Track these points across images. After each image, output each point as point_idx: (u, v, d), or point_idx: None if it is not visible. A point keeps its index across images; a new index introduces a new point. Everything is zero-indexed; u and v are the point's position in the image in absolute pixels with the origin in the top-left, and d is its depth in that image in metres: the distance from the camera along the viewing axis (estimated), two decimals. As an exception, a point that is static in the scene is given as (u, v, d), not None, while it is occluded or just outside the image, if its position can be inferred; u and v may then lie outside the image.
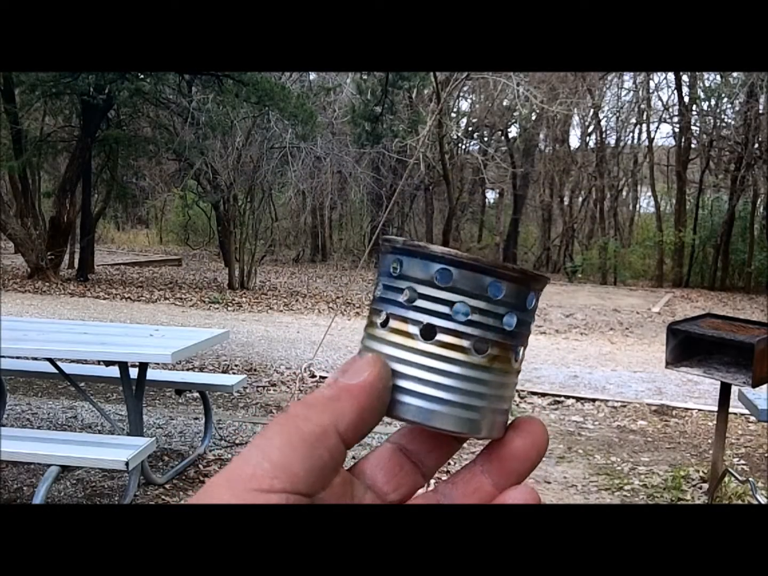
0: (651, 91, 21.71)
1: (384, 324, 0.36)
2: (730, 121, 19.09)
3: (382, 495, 0.38)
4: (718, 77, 18.06)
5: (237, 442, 4.78)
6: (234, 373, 6.53)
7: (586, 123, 23.60)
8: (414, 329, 0.35)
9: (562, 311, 12.90)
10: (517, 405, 5.94)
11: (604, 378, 7.43)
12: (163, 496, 3.84)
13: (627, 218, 24.36)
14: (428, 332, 0.35)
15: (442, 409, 0.35)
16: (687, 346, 3.96)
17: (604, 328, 11.44)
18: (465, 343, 0.35)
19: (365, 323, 0.38)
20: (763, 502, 3.52)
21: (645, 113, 21.83)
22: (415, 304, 0.35)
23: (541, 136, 23.61)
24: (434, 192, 21.29)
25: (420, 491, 0.39)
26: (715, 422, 4.17)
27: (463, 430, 0.36)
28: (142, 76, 12.67)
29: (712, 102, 19.18)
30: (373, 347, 0.36)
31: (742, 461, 4.84)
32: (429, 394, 0.35)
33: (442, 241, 18.25)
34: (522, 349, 0.37)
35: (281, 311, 11.81)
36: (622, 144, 23.20)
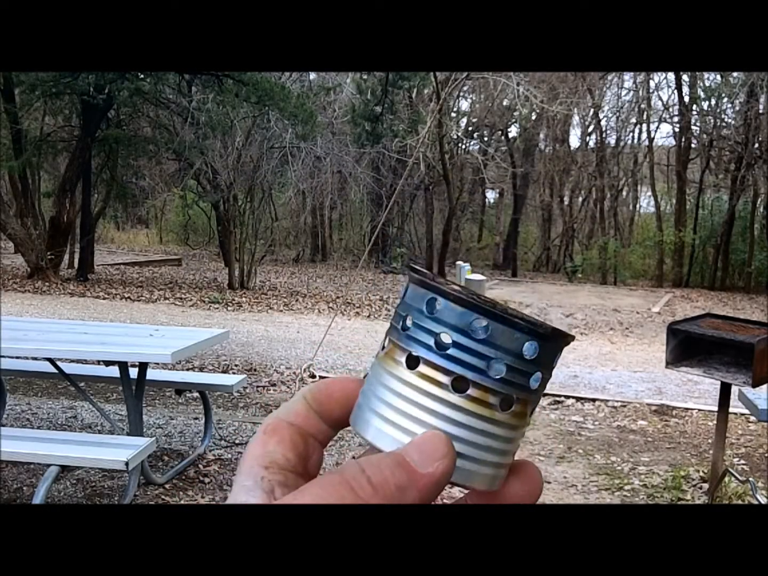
0: (651, 91, 21.72)
1: (411, 366, 0.35)
2: (730, 121, 19.09)
3: None
4: (718, 77, 18.06)
5: (237, 442, 4.78)
6: (234, 373, 6.53)
7: (586, 123, 23.62)
8: (446, 379, 0.34)
9: (562, 311, 12.90)
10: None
11: (604, 378, 7.44)
12: (163, 496, 3.85)
13: (627, 218, 24.36)
14: (461, 385, 0.34)
15: (460, 464, 0.34)
16: (687, 346, 3.96)
17: (604, 328, 11.44)
18: (494, 399, 0.34)
19: (381, 353, 0.36)
20: (763, 502, 3.53)
21: (645, 113, 21.83)
22: (448, 352, 0.34)
23: (541, 136, 23.63)
24: (434, 192, 21.28)
25: None
26: (715, 422, 4.17)
27: (471, 483, 0.35)
28: (142, 76, 12.67)
29: (712, 102, 19.18)
30: (393, 387, 0.35)
31: (742, 461, 4.84)
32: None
33: (442, 241, 18.26)
34: (537, 403, 0.37)
35: (281, 311, 11.81)
36: (622, 144, 23.21)
